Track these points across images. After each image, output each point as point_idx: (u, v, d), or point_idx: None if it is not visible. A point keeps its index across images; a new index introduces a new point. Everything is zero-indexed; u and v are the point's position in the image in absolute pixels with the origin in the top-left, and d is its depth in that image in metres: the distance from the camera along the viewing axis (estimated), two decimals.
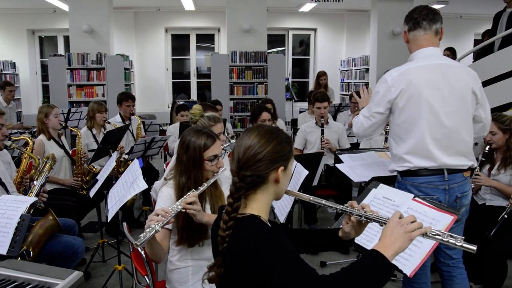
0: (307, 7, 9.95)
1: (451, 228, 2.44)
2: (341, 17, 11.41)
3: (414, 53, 2.52)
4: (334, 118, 6.12)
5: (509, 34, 5.69)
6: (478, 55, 6.61)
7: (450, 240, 1.30)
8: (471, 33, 11.67)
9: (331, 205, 1.47)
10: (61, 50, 10.68)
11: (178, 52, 11.36)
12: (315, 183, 3.68)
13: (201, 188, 2.03)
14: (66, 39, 10.15)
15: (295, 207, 4.67)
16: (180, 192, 2.09)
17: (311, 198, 1.51)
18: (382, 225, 1.40)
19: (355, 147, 4.88)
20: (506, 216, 3.12)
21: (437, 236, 1.32)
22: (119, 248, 3.43)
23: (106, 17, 8.10)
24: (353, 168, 2.67)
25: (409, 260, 1.83)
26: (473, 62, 6.51)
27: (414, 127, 2.39)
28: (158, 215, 1.82)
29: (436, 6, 9.67)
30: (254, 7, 8.18)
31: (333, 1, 8.44)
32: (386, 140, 4.16)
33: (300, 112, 6.73)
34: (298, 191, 4.30)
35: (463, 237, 1.30)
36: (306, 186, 3.76)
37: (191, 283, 2.16)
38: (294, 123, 6.65)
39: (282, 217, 2.57)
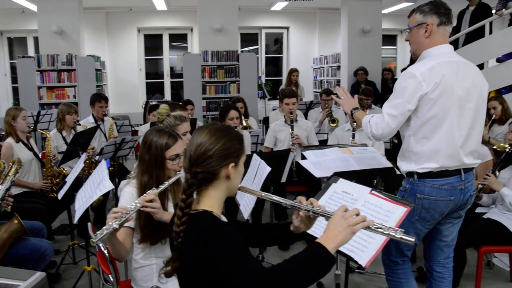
0: (279, 6, 10.02)
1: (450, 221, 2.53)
2: (313, 15, 11.52)
3: (431, 49, 2.35)
4: (306, 115, 6.20)
5: (472, 30, 5.89)
6: None
7: (391, 233, 1.37)
8: (453, 24, 11.90)
9: (281, 201, 1.53)
10: (31, 51, 10.51)
11: (151, 52, 11.31)
12: (283, 179, 3.74)
13: (162, 187, 2.06)
14: (36, 40, 10.00)
15: (267, 204, 4.73)
16: (142, 191, 2.12)
17: (263, 194, 1.56)
18: (327, 219, 1.46)
19: (323, 144, 4.96)
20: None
21: (379, 229, 1.39)
22: (88, 249, 3.43)
23: (76, 18, 8.02)
24: (316, 164, 2.72)
25: (365, 251, 1.89)
26: None
27: (443, 124, 2.27)
28: (117, 213, 1.84)
29: (404, 5, 9.87)
30: (226, 7, 8.20)
31: (304, 0, 8.52)
32: (353, 136, 4.24)
33: (274, 109, 6.79)
34: (265, 187, 4.38)
35: (403, 230, 1.37)
36: (275, 183, 3.83)
37: (156, 280, 2.20)
38: (266, 121, 6.71)
39: (246, 214, 2.62)
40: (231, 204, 3.92)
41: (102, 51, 10.13)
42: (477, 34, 5.85)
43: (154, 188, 2.07)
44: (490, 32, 5.84)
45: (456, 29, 6.58)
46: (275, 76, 11.95)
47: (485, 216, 3.31)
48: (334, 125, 5.48)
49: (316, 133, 5.28)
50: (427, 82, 2.23)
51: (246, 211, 2.62)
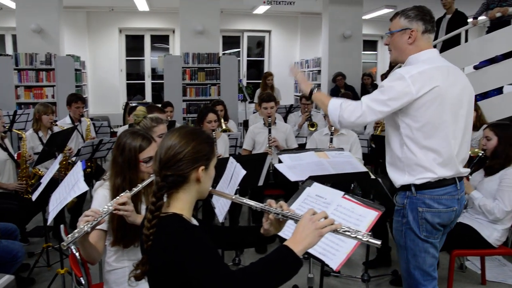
0: (261, 9, 10.06)
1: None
2: (295, 19, 11.60)
3: (416, 55, 2.23)
4: (285, 119, 6.23)
5: (448, 38, 6.00)
6: None
7: (358, 236, 1.39)
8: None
9: (251, 204, 1.54)
10: (9, 49, 10.35)
11: (133, 53, 11.25)
12: (261, 183, 3.75)
13: (135, 189, 2.05)
14: (15, 38, 9.84)
15: (245, 207, 4.73)
16: (115, 193, 2.11)
17: (234, 198, 1.57)
18: (296, 222, 1.47)
19: (302, 148, 4.99)
20: None
21: (346, 232, 1.41)
22: (61, 251, 3.39)
23: (56, 16, 7.92)
24: (292, 168, 2.75)
25: (336, 254, 1.91)
26: None
27: (438, 131, 2.15)
28: (89, 216, 1.83)
29: (385, 11, 10.01)
30: (208, 9, 8.21)
31: (286, 4, 8.57)
32: (331, 140, 4.28)
33: (254, 113, 6.81)
34: (243, 190, 4.38)
35: (370, 233, 1.39)
36: (252, 186, 3.85)
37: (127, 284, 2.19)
38: (246, 124, 6.73)
39: (221, 217, 2.63)
40: (208, 207, 3.92)
41: (82, 51, 10.03)
42: (454, 42, 5.97)
43: (127, 190, 2.06)
44: (466, 40, 5.97)
45: (434, 37, 6.71)
46: (256, 79, 11.98)
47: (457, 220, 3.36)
48: (313, 129, 5.52)
49: (296, 137, 5.32)
50: (417, 86, 2.10)
51: (221, 214, 2.63)
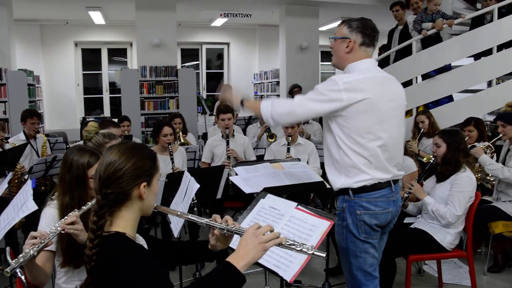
0: (219, 22, 10.09)
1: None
2: (253, 31, 11.69)
3: (354, 64, 2.35)
4: (244, 131, 6.24)
5: (401, 48, 6.19)
6: None
7: (303, 249, 1.39)
8: (376, 47, 12.45)
9: (196, 220, 1.52)
10: None
11: (89, 67, 11.02)
12: (219, 195, 3.73)
13: (85, 208, 1.99)
14: None
15: None
16: (64, 213, 2.04)
17: (179, 213, 1.55)
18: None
19: (262, 159, 5.01)
20: None
21: (291, 246, 1.40)
22: (11, 275, 3.25)
23: (6, 30, 7.65)
24: (247, 180, 2.74)
25: (290, 266, 1.91)
26: None
27: (369, 138, 2.26)
28: (36, 238, 1.77)
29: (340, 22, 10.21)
30: (164, 22, 8.15)
31: (243, 16, 8.64)
32: (288, 150, 4.31)
33: (214, 125, 6.79)
34: (202, 204, 4.33)
35: (313, 245, 1.39)
36: (210, 199, 3.82)
37: None
38: (205, 137, 6.70)
39: (176, 231, 2.59)
40: (165, 222, 3.87)
41: (36, 65, 9.73)
42: (406, 52, 6.15)
43: (76, 209, 2.00)
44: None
45: (387, 47, 6.91)
46: (217, 91, 11.97)
47: (412, 226, 3.44)
48: (272, 140, 5.55)
49: (255, 148, 5.33)
50: (349, 94, 2.20)
51: (176, 229, 2.59)
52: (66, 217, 1.94)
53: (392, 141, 2.35)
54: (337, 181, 2.36)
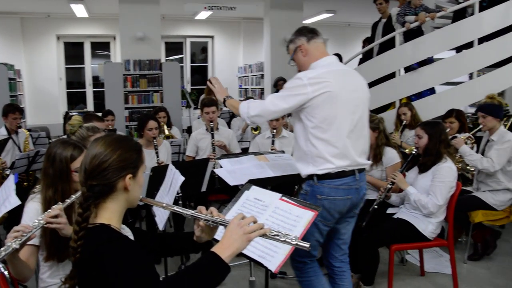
0: (203, 15, 10.05)
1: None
2: (237, 24, 11.67)
3: (316, 62, 2.60)
4: (229, 124, 6.24)
5: (384, 41, 6.23)
6: (361, 60, 7.14)
7: (287, 240, 1.41)
8: (359, 40, 12.51)
9: (181, 211, 1.53)
10: None
11: (72, 61, 10.89)
12: (204, 188, 3.74)
13: (68, 201, 1.98)
14: None
15: None
16: (47, 206, 2.03)
17: (164, 205, 1.56)
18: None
19: (246, 152, 5.01)
20: (376, 206, 3.42)
21: (275, 237, 1.42)
22: None
23: None
24: (231, 172, 2.76)
25: (275, 256, 1.94)
26: (358, 66, 7.01)
27: (334, 127, 2.45)
28: (18, 232, 1.76)
29: (325, 15, 10.27)
30: (148, 15, 8.06)
31: (227, 9, 8.61)
32: (273, 143, 4.33)
33: (198, 118, 6.78)
34: (187, 197, 4.33)
35: (297, 236, 1.42)
36: (194, 193, 3.82)
37: None
38: (190, 131, 6.68)
39: (161, 225, 2.60)
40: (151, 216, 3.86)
41: (17, 59, 9.59)
42: (390, 45, 6.19)
43: (59, 202, 1.99)
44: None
45: (370, 40, 6.95)
46: (201, 85, 11.92)
47: (395, 216, 3.49)
48: (256, 132, 5.56)
49: (239, 141, 5.34)
50: (313, 87, 2.42)
51: (161, 222, 2.60)
52: (49, 210, 1.93)
53: (356, 131, 2.54)
54: (305, 169, 2.55)
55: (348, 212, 2.65)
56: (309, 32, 2.64)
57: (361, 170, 2.61)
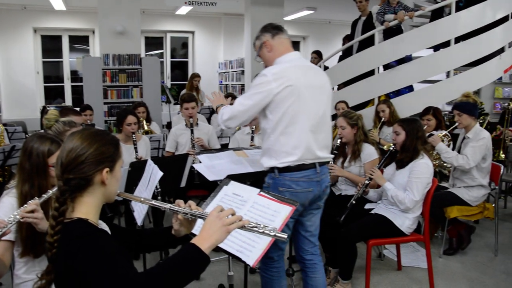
0: (184, 10, 9.98)
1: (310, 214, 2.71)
2: (218, 20, 11.62)
3: (281, 58, 2.66)
4: (209, 120, 6.22)
5: (364, 39, 6.29)
6: (341, 57, 7.19)
7: (265, 231, 1.42)
8: (340, 37, 12.59)
9: (159, 205, 1.52)
10: None
11: (50, 54, 10.69)
12: (183, 184, 3.73)
13: (45, 196, 1.96)
14: None
15: None
16: (23, 201, 2.00)
17: (142, 199, 1.55)
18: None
19: (226, 148, 5.01)
20: (354, 202, 3.47)
21: (254, 228, 1.43)
22: None
23: None
24: (210, 167, 2.76)
25: (252, 251, 1.95)
26: (338, 63, 7.05)
27: (296, 122, 2.51)
28: None
29: (305, 12, 10.31)
30: (127, 9, 7.96)
31: (208, 5, 8.57)
32: (252, 139, 4.34)
33: (178, 114, 6.74)
34: (165, 192, 4.32)
35: (276, 227, 1.43)
36: (173, 188, 3.80)
37: None
38: (170, 126, 6.65)
39: (139, 220, 2.59)
40: (129, 211, 3.84)
41: None
42: (369, 42, 6.25)
43: (36, 197, 1.96)
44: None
45: (350, 38, 7.00)
46: (181, 80, 11.85)
47: (372, 212, 3.54)
48: (237, 128, 5.55)
49: (219, 137, 5.33)
50: (277, 82, 2.48)
51: (139, 217, 2.59)
52: (25, 205, 1.90)
53: (319, 125, 2.60)
54: (267, 162, 2.61)
55: (311, 204, 2.70)
56: (274, 29, 2.69)
57: (322, 164, 2.67)
